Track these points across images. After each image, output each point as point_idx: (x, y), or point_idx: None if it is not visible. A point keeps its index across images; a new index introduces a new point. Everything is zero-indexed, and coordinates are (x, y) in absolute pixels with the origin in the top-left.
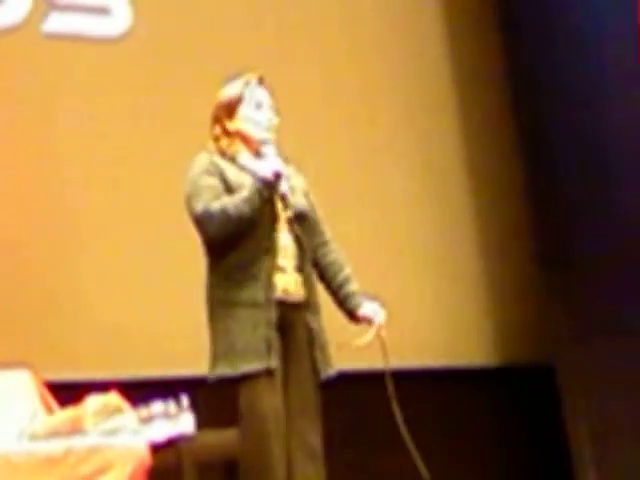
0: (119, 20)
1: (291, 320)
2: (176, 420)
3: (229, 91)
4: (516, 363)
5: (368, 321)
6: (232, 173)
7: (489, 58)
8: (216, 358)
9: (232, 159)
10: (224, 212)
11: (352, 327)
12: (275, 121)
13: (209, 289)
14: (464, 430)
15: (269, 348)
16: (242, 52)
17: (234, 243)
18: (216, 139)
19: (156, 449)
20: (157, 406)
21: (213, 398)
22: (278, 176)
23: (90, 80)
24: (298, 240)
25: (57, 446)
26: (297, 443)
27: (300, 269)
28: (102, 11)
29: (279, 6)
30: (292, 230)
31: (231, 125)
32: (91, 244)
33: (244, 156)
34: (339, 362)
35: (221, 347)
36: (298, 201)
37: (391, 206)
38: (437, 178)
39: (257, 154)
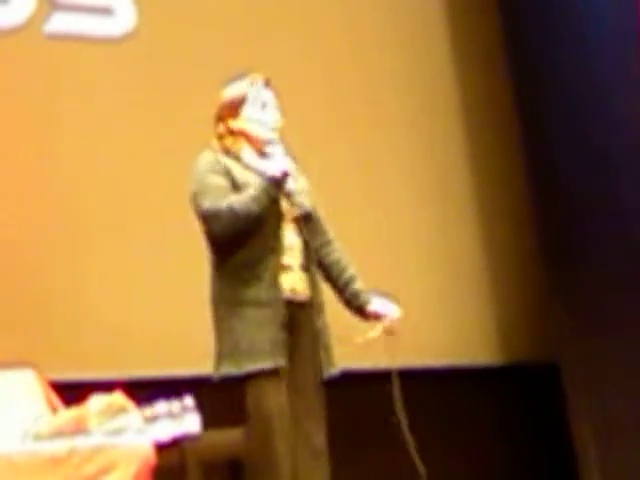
0: (122, 20)
1: (298, 320)
2: (181, 420)
3: (233, 90)
4: (520, 362)
5: (377, 317)
6: (238, 171)
7: (492, 58)
8: (221, 357)
9: (236, 157)
10: (232, 210)
11: (355, 325)
12: (281, 122)
13: (214, 288)
14: (468, 429)
15: (275, 347)
16: (245, 52)
17: (241, 242)
18: (220, 137)
19: (160, 449)
20: (161, 406)
21: (218, 398)
22: (286, 175)
23: (93, 80)
24: (304, 239)
25: (61, 446)
26: (302, 443)
27: (306, 268)
28: (105, 11)
29: (282, 7)
30: (298, 229)
31: (235, 124)
32: (95, 244)
33: (248, 155)
34: (343, 361)
35: (226, 346)
36: (303, 201)
37: (394, 205)
38: (440, 177)
39: (261, 154)
